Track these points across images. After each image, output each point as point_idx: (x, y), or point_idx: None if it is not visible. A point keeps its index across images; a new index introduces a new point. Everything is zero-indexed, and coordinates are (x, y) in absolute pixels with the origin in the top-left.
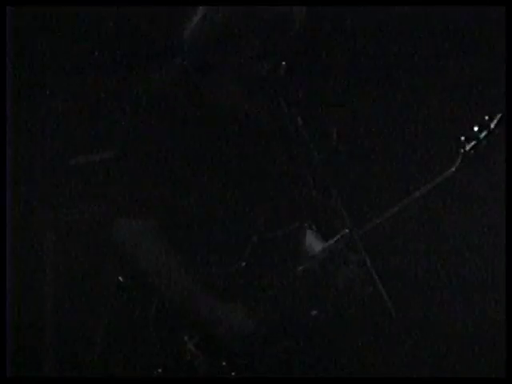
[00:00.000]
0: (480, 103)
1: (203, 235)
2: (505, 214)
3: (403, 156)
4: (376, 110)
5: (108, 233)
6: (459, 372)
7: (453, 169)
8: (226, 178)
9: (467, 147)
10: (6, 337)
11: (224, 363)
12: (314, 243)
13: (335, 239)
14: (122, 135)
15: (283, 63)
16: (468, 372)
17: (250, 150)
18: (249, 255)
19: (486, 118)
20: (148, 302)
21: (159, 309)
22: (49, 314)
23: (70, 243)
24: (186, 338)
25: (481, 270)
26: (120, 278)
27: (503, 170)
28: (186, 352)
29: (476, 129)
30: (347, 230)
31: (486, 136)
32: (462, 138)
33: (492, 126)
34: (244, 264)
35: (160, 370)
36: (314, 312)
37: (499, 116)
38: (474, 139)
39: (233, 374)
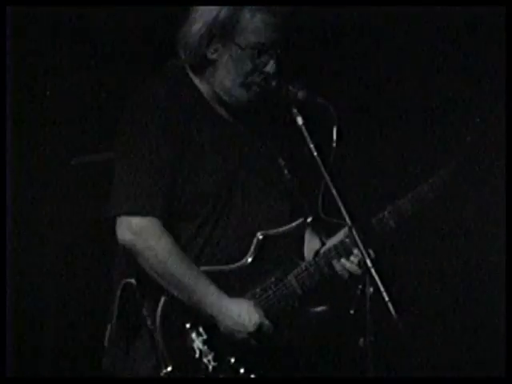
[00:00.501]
0: (480, 103)
1: (208, 231)
2: (505, 213)
3: (403, 155)
4: (376, 110)
5: (112, 231)
6: (459, 372)
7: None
8: (230, 174)
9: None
10: (5, 337)
11: (232, 360)
12: (315, 240)
13: (336, 237)
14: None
15: (304, 89)
16: (468, 372)
17: (254, 147)
18: (254, 251)
19: None
20: (154, 300)
21: (165, 307)
22: (49, 314)
23: (69, 243)
24: (193, 335)
25: (481, 269)
26: (129, 280)
27: (503, 169)
28: (195, 350)
29: None
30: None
31: None
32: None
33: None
34: (250, 260)
35: (169, 369)
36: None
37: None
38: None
39: (241, 370)
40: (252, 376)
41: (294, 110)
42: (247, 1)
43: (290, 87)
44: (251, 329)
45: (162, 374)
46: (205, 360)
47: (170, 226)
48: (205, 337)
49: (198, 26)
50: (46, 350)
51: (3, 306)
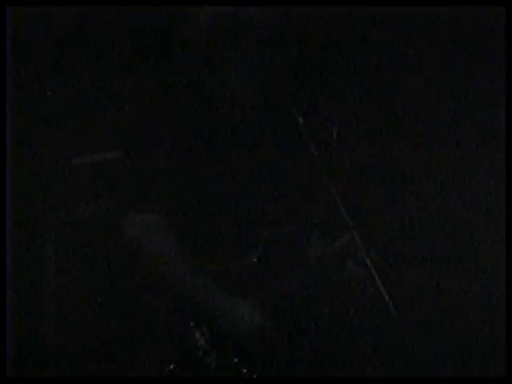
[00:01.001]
0: (480, 103)
1: (215, 230)
2: (505, 213)
3: (403, 155)
4: (376, 110)
5: (117, 228)
6: (459, 372)
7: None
8: (237, 173)
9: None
10: (5, 337)
11: (236, 360)
12: (322, 242)
13: (341, 240)
14: (132, 130)
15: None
16: (468, 372)
17: (262, 146)
18: (260, 251)
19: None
20: (159, 298)
21: (170, 305)
22: (49, 314)
23: (70, 243)
24: (197, 334)
25: (481, 269)
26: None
27: (503, 169)
28: (198, 348)
29: None
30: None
31: None
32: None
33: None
34: (255, 259)
35: (172, 367)
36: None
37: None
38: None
39: (244, 371)
40: (254, 376)
41: (294, 110)
42: (248, 0)
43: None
44: (254, 330)
45: (164, 372)
46: (207, 359)
47: (175, 223)
48: (208, 336)
49: (204, 24)
50: (46, 350)
51: (3, 305)
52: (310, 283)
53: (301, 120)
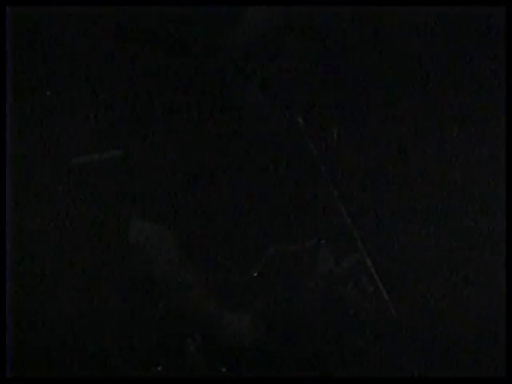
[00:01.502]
0: (480, 103)
1: (218, 241)
2: (505, 213)
3: (403, 154)
4: (376, 110)
5: (119, 232)
6: (459, 372)
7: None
8: (244, 185)
9: None
10: (5, 337)
11: (224, 369)
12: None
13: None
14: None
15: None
16: (468, 372)
17: (268, 162)
18: (262, 266)
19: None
20: (155, 302)
21: (166, 310)
22: (49, 314)
23: (70, 243)
24: (189, 340)
25: (481, 269)
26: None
27: (503, 169)
28: (188, 354)
29: None
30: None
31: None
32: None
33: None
34: (255, 274)
35: (159, 368)
36: None
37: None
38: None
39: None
40: None
41: (294, 110)
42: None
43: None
44: (247, 343)
45: (153, 373)
46: (196, 367)
47: (180, 233)
48: (200, 344)
49: (245, 38)
50: (46, 350)
51: (3, 305)
52: (311, 300)
53: (301, 120)
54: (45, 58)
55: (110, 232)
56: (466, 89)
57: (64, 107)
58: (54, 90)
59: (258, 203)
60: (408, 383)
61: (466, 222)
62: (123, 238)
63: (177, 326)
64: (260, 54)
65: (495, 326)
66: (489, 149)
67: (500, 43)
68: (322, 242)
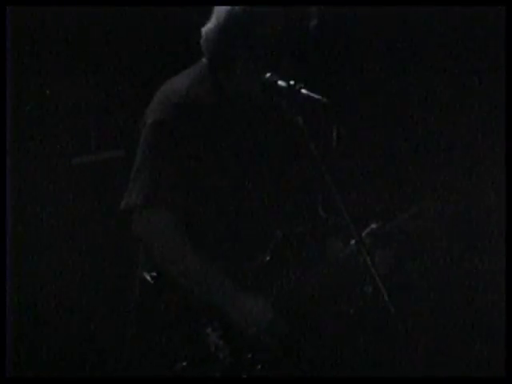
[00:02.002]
0: (480, 103)
1: (226, 228)
2: (505, 213)
3: (403, 154)
4: (376, 110)
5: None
6: (459, 372)
7: None
8: (250, 172)
9: None
10: (5, 337)
11: (249, 356)
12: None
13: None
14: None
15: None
16: (468, 372)
17: (277, 146)
18: (272, 250)
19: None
20: (171, 295)
21: (181, 301)
22: (49, 314)
23: (70, 243)
24: (209, 330)
25: (481, 270)
26: (146, 274)
27: (503, 169)
28: (210, 344)
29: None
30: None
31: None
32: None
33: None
34: (268, 258)
35: (184, 364)
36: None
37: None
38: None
39: (258, 367)
40: (270, 373)
41: (295, 110)
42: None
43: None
44: (264, 325)
45: (177, 369)
46: (221, 355)
47: (186, 220)
48: (221, 332)
49: (216, 23)
50: (46, 350)
51: (3, 306)
52: (322, 283)
53: (300, 120)
54: (45, 57)
55: (110, 231)
56: (465, 88)
57: (64, 107)
58: (54, 90)
59: (262, 192)
60: (408, 383)
61: (466, 222)
62: (123, 238)
63: (194, 316)
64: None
65: (495, 326)
66: (489, 149)
67: (500, 43)
68: (329, 221)
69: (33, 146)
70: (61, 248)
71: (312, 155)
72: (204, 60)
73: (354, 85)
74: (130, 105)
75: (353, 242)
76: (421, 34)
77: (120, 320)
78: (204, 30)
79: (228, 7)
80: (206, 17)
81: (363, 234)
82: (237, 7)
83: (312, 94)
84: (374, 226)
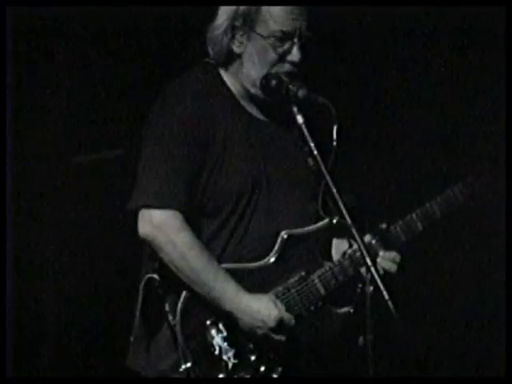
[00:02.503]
0: (480, 103)
1: (231, 229)
2: (505, 214)
3: (403, 153)
4: (376, 109)
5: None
6: (459, 372)
7: None
8: (256, 171)
9: None
10: (6, 337)
11: (253, 357)
12: (343, 242)
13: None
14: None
15: (304, 88)
16: (468, 372)
17: (282, 145)
18: (278, 250)
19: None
20: (176, 295)
21: (187, 302)
22: (49, 314)
23: (70, 243)
24: (213, 331)
25: (481, 268)
26: (151, 275)
27: (503, 169)
28: (215, 346)
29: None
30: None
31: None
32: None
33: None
34: (273, 259)
35: (189, 365)
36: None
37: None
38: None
39: (262, 368)
40: (273, 375)
41: (295, 109)
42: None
43: (290, 86)
44: (271, 324)
45: (181, 370)
46: (225, 357)
47: (193, 221)
48: (225, 334)
49: (221, 20)
50: (46, 350)
51: (3, 305)
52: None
53: (300, 120)
54: (45, 58)
55: (111, 231)
56: (466, 89)
57: (64, 107)
58: (54, 90)
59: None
60: (408, 383)
61: (466, 222)
62: (124, 237)
63: (199, 316)
64: None
65: (495, 326)
66: (489, 149)
67: (500, 43)
68: (335, 221)
69: (33, 145)
70: (61, 248)
71: (313, 155)
72: (207, 60)
73: (354, 85)
74: (131, 105)
75: (355, 245)
76: (421, 34)
77: (122, 320)
78: (209, 28)
79: (232, 7)
80: (207, 17)
81: (369, 235)
82: (241, 6)
83: (313, 95)
84: (383, 225)
